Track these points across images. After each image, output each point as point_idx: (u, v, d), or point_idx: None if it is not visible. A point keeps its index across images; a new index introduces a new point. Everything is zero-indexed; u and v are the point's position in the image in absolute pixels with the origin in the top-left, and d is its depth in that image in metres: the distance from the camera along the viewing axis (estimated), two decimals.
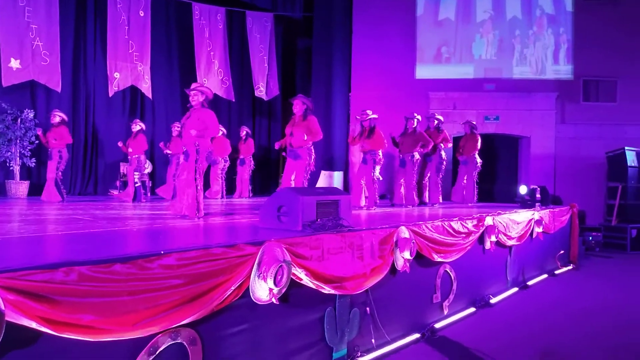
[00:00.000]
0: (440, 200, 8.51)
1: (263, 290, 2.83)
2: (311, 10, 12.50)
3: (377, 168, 7.10)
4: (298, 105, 6.29)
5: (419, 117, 7.81)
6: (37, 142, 9.22)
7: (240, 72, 12.37)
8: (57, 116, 8.04)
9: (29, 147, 9.33)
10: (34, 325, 1.91)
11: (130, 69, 10.45)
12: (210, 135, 4.98)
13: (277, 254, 2.91)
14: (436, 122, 8.44)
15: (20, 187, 9.10)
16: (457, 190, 9.04)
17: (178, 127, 8.83)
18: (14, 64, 9.17)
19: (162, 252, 2.46)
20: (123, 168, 9.83)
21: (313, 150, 6.33)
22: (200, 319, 2.53)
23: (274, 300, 2.85)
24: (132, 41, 10.50)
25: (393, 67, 11.94)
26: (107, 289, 2.19)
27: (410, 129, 7.70)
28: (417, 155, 7.64)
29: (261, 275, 2.81)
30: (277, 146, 6.80)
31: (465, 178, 8.81)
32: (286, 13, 12.87)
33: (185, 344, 2.51)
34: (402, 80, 11.91)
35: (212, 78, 11.51)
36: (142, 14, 10.62)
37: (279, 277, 2.83)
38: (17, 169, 9.22)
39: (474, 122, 8.97)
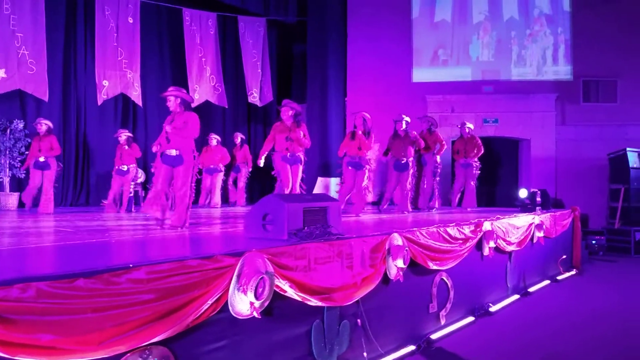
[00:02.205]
0: (437, 206, 8.28)
1: (243, 303, 2.66)
2: (305, 14, 12.32)
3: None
4: (286, 112, 6.24)
5: (407, 118, 7.51)
6: (26, 152, 9.03)
7: (234, 78, 12.15)
8: (45, 124, 7.86)
9: (18, 158, 9.14)
10: None
11: (119, 76, 10.25)
12: (192, 137, 4.81)
13: (259, 265, 2.73)
14: (430, 124, 8.23)
15: (10, 199, 8.90)
16: (455, 194, 8.82)
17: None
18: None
19: (130, 265, 2.30)
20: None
21: None
22: (174, 336, 2.36)
23: (255, 314, 2.68)
24: (121, 48, 10.32)
25: (389, 70, 11.76)
26: (68, 306, 2.04)
27: (400, 131, 7.42)
28: (410, 159, 7.40)
29: (241, 288, 2.63)
30: (260, 163, 6.62)
31: (464, 182, 8.60)
32: (279, 17, 12.69)
33: None
34: (399, 83, 11.73)
35: (204, 84, 11.33)
36: (131, 20, 10.45)
37: (260, 289, 2.65)
38: (6, 180, 9.03)
39: (471, 125, 8.78)
